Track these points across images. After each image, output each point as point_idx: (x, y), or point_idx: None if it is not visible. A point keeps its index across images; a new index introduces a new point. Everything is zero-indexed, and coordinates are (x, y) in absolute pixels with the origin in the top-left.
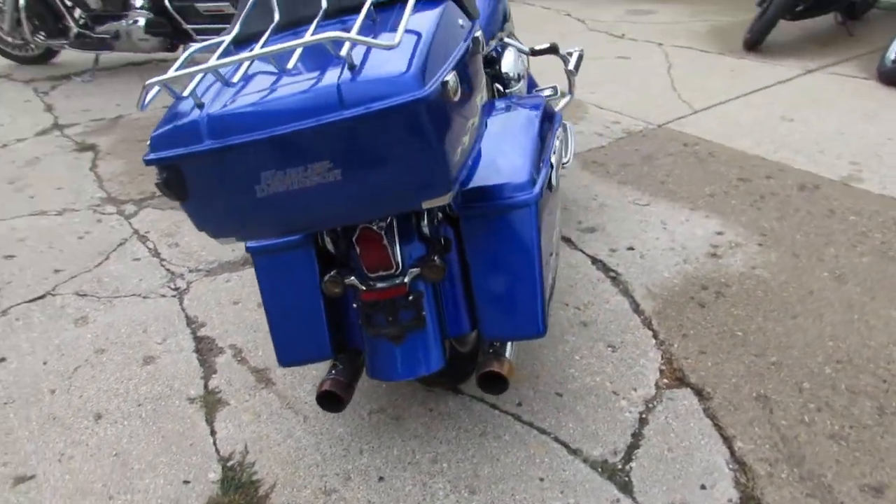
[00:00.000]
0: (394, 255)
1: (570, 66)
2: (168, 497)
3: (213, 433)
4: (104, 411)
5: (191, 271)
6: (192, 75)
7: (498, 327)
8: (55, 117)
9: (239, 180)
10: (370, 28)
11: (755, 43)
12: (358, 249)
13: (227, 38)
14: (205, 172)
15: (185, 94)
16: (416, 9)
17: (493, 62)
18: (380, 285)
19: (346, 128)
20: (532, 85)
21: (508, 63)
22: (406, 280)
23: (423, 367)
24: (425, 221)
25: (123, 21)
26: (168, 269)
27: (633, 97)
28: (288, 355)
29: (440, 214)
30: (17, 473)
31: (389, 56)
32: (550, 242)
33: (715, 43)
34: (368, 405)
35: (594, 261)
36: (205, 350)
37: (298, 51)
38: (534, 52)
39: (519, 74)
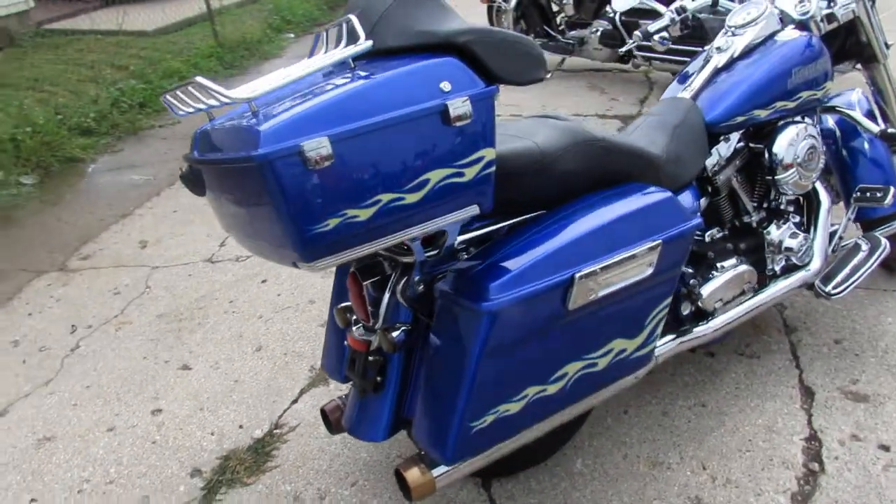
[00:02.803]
0: (370, 308)
1: None
2: (221, 431)
3: (295, 401)
4: (265, 346)
5: None
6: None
7: (419, 430)
8: None
9: (207, 190)
10: (352, 76)
11: None
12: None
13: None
14: (199, 177)
15: (183, 112)
16: (403, 60)
17: (765, 137)
18: (356, 332)
19: (220, 170)
20: (858, 179)
21: (782, 143)
22: (372, 339)
23: (366, 431)
24: (400, 286)
25: (587, 29)
26: None
27: None
28: (325, 363)
29: (421, 287)
30: (187, 363)
31: (292, 107)
32: (538, 374)
33: None
34: (400, 449)
35: (810, 439)
36: None
37: None
38: (886, 136)
39: (794, 160)
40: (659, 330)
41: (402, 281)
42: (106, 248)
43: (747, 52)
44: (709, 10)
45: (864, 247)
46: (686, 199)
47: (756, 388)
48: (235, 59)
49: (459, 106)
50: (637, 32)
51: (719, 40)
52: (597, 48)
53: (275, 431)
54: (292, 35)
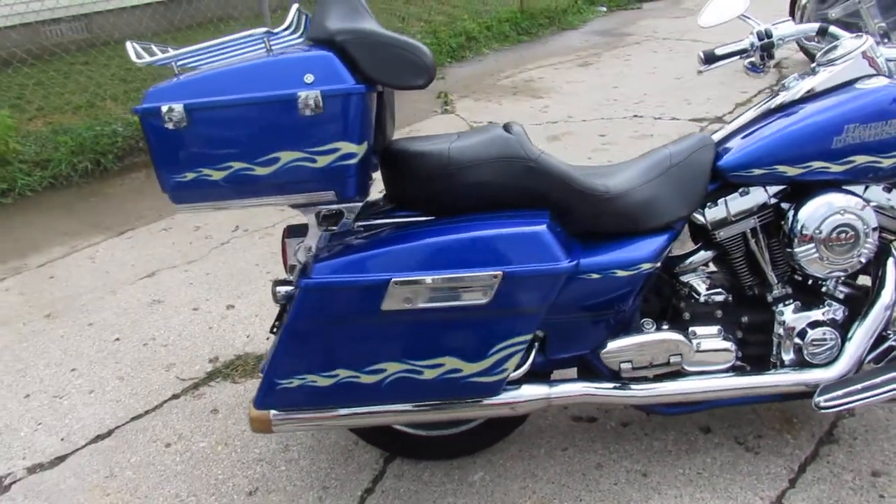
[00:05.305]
0: (287, 260)
1: None
2: (255, 336)
3: None
4: None
5: None
6: None
7: None
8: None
9: None
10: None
11: None
12: None
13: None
14: None
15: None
16: (303, 49)
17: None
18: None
19: None
20: None
21: (806, 211)
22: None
23: (263, 365)
24: (298, 249)
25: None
26: None
27: None
28: None
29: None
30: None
31: (190, 74)
32: (351, 360)
33: None
34: None
35: None
36: None
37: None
38: None
39: (816, 235)
40: (509, 364)
41: (300, 245)
42: None
43: (812, 95)
44: (814, 39)
45: None
46: (641, 245)
47: (720, 482)
48: (532, 27)
49: (309, 98)
50: (700, 53)
51: (790, 78)
52: None
53: None
54: (604, 8)
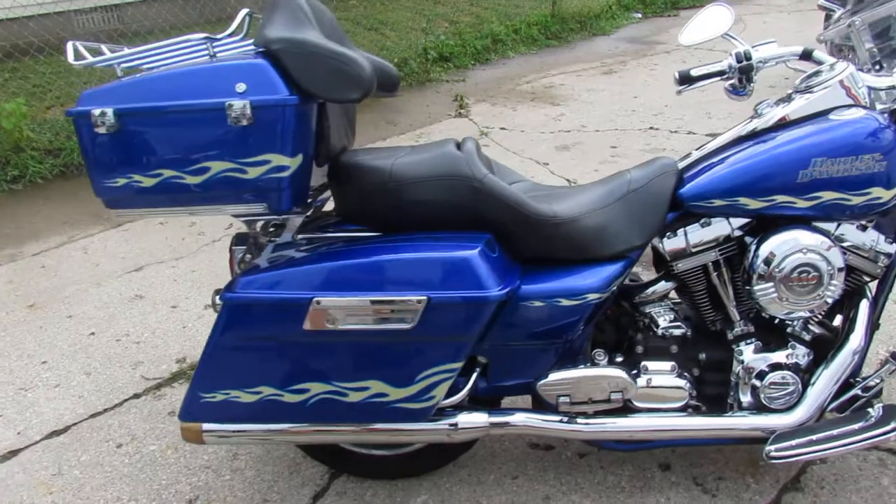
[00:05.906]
0: (233, 267)
1: None
2: None
3: None
4: None
5: None
6: None
7: None
8: None
9: None
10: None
11: None
12: None
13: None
14: None
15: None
16: (240, 55)
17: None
18: None
19: None
20: None
21: (767, 247)
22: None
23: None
24: (239, 258)
25: None
26: None
27: None
28: None
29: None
30: None
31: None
32: (274, 378)
33: None
34: None
35: None
36: None
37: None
38: None
39: (776, 272)
40: (437, 391)
41: (242, 255)
42: None
43: (785, 124)
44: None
45: (873, 417)
46: (589, 274)
47: None
48: (562, 31)
49: (238, 108)
50: (675, 73)
51: (763, 104)
52: None
53: None
54: (639, 15)
